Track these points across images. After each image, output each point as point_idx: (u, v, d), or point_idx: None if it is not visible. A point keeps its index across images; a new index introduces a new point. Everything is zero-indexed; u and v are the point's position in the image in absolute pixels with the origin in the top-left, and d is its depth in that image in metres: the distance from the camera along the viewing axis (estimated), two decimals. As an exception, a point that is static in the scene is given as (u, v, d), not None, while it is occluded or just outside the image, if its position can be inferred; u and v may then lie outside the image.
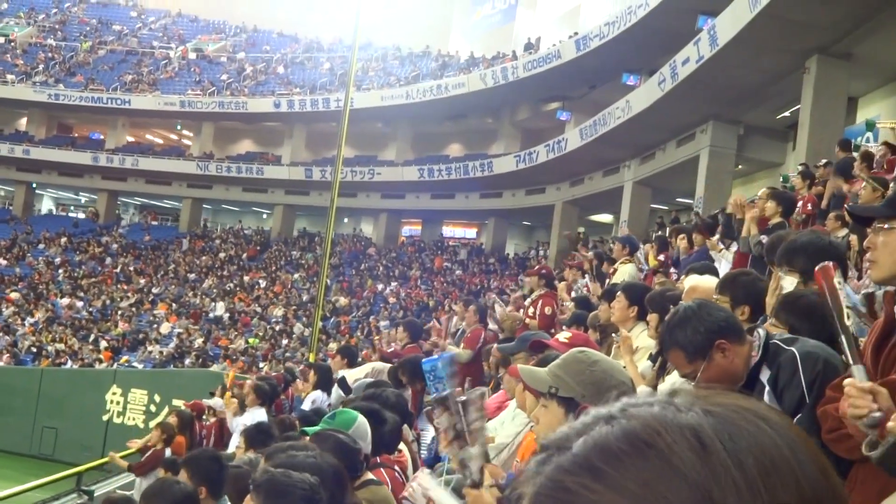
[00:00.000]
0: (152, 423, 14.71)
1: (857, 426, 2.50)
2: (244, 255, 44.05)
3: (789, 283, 4.19)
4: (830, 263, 2.68)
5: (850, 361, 2.55)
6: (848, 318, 2.58)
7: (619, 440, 0.71)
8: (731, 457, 0.69)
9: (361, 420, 4.73)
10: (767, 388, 3.17)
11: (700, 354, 3.21)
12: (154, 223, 51.50)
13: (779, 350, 3.23)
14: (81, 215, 52.41)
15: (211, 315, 36.84)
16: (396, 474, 5.02)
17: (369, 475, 4.56)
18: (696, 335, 3.21)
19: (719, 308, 3.42)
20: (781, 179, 18.33)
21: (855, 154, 12.13)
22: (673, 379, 4.88)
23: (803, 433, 0.75)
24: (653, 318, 5.77)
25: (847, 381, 2.53)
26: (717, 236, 10.80)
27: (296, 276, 40.94)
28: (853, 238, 7.06)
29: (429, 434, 7.54)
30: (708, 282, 5.32)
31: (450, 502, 2.89)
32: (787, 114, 25.13)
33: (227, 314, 36.72)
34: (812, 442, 0.75)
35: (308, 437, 4.48)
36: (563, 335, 4.41)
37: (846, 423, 2.60)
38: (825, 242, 4.61)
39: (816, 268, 2.71)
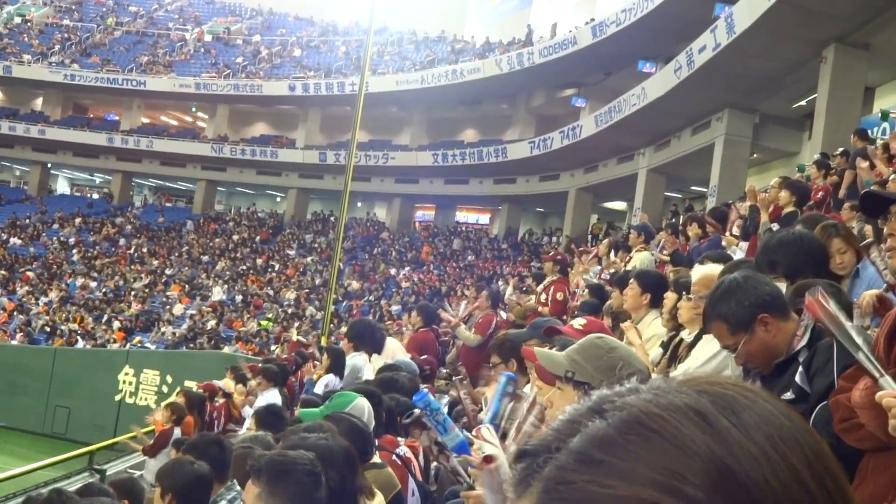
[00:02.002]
0: (164, 404, 14.73)
1: None
2: (257, 238, 44.14)
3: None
4: (818, 291, 2.49)
5: (877, 375, 2.41)
6: (857, 335, 2.43)
7: (620, 431, 0.70)
8: (739, 429, 0.69)
9: (360, 401, 4.72)
10: (801, 368, 3.15)
11: (743, 327, 3.20)
12: (168, 205, 51.66)
13: (821, 334, 3.20)
14: (96, 196, 52.60)
15: (213, 298, 36.91)
16: (393, 457, 5.03)
17: (374, 458, 4.57)
18: (741, 308, 3.20)
19: (765, 281, 3.40)
20: (797, 169, 18.25)
21: (871, 146, 12.03)
22: (685, 367, 4.87)
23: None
24: (671, 297, 5.73)
25: (880, 394, 2.41)
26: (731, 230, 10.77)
27: (308, 259, 40.99)
28: (867, 228, 7.00)
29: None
30: (715, 271, 5.27)
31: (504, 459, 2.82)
32: (803, 103, 25.03)
33: (240, 296, 36.80)
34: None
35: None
36: (579, 322, 4.38)
37: (859, 414, 2.58)
38: (796, 237, 4.57)
39: (806, 300, 2.61)
